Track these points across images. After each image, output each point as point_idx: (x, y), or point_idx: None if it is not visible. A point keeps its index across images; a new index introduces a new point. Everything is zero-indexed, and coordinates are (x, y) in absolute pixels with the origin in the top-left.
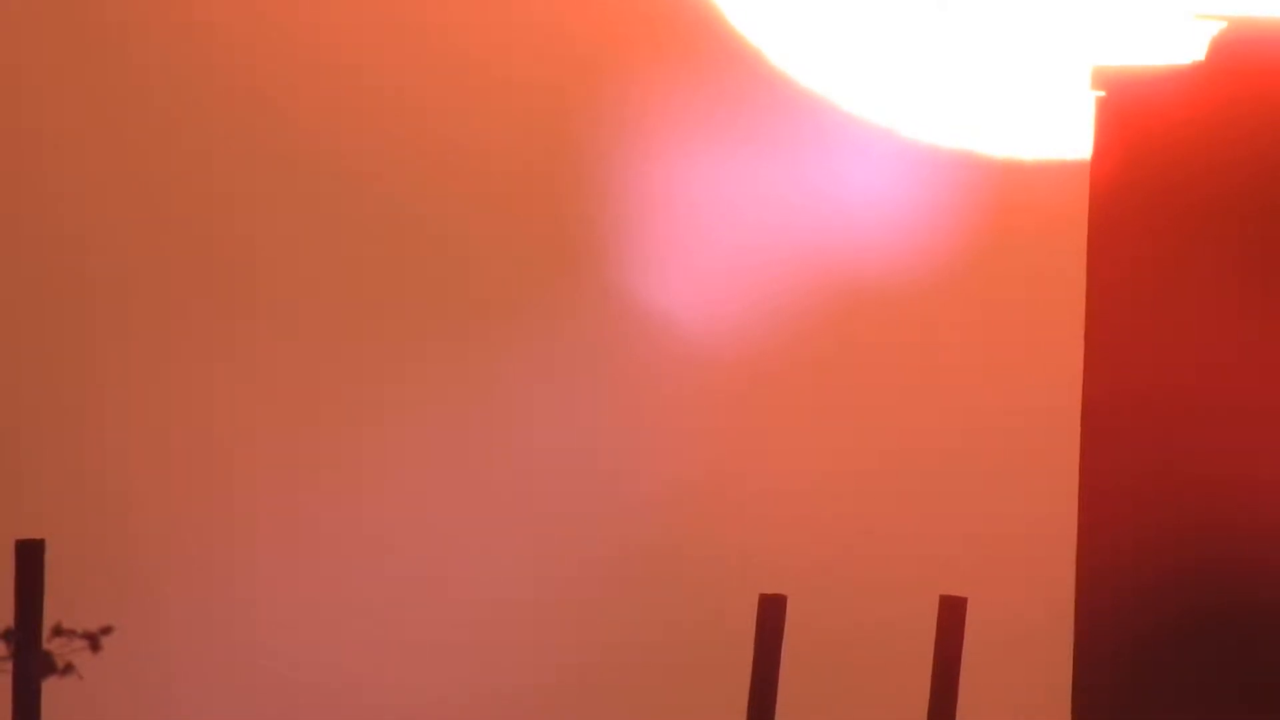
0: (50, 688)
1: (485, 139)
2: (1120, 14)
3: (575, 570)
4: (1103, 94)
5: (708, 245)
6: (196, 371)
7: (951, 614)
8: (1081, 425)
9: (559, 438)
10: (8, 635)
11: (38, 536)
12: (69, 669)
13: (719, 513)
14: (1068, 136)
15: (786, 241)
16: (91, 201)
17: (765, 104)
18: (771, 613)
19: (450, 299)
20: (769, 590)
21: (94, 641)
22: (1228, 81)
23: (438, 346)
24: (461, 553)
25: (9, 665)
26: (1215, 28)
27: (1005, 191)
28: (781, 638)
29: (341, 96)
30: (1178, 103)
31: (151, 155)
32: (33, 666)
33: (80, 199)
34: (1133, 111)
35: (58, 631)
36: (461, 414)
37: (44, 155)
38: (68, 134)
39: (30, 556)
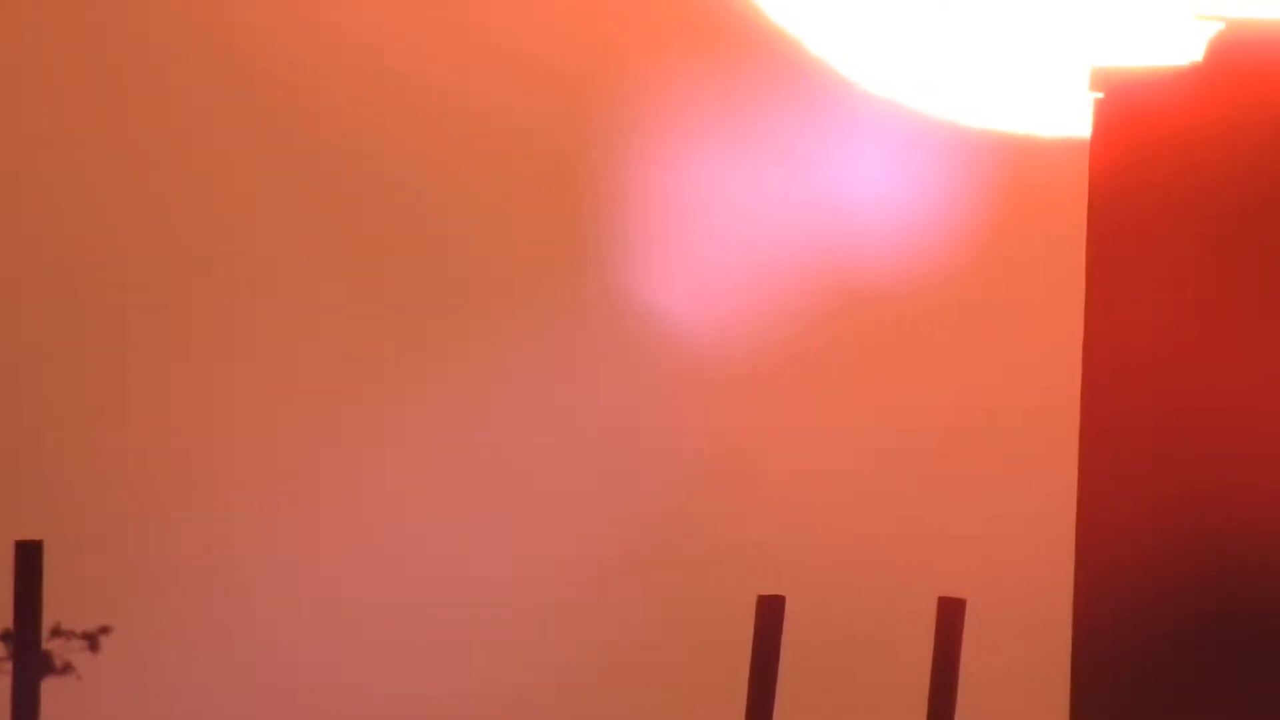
0: (49, 687)
1: (494, 138)
2: (1120, 14)
3: (575, 569)
4: (1101, 95)
5: (706, 240)
6: (198, 371)
7: (951, 615)
8: (1080, 426)
9: (560, 436)
10: (7, 636)
11: (37, 537)
12: (68, 669)
13: (719, 513)
14: (1068, 134)
15: (786, 239)
16: (94, 202)
17: (766, 98)
18: (770, 613)
19: (452, 299)
20: (768, 590)
21: (93, 641)
22: (1227, 82)
23: (440, 346)
24: (462, 550)
25: (8, 665)
26: (1214, 28)
27: (1004, 190)
28: (780, 638)
29: (343, 99)
30: (1177, 103)
31: (156, 156)
32: (32, 666)
33: (84, 199)
34: (1132, 112)
35: (56, 632)
36: (463, 412)
37: (53, 153)
38: (78, 132)
39: (29, 557)
